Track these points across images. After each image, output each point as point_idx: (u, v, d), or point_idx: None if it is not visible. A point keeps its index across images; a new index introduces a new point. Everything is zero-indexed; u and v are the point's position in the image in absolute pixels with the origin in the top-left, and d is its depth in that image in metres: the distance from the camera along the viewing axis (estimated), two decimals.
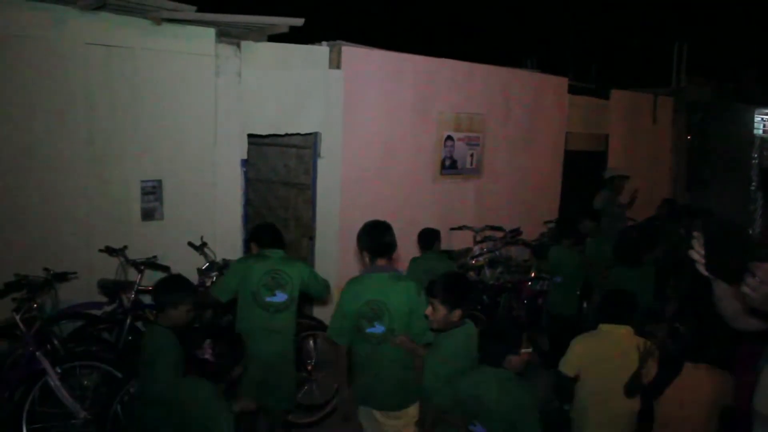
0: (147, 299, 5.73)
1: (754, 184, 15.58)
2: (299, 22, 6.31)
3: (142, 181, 6.04)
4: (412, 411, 4.26)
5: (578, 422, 4.41)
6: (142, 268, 5.64)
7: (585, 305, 7.50)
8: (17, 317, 4.83)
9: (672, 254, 7.65)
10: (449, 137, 8.73)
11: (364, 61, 7.67)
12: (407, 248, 7.35)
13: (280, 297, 4.76)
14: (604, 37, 16.43)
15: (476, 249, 8.45)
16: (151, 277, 5.83)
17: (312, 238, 7.48)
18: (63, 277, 5.29)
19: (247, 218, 6.90)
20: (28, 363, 4.81)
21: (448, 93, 8.63)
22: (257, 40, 6.66)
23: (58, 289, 5.38)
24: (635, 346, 4.20)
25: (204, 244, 6.14)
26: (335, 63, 7.38)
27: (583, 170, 11.11)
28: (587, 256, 7.32)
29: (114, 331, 5.51)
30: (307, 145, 7.52)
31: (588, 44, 16.18)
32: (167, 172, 6.19)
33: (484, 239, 8.60)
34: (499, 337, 3.65)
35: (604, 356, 4.29)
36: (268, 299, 4.75)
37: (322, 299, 5.26)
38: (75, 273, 5.41)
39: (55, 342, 5.08)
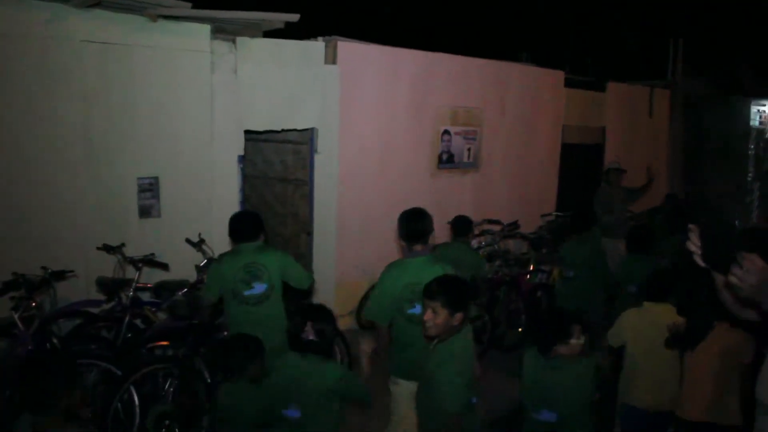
0: (145, 297, 5.74)
1: (750, 175, 15.61)
2: (294, 17, 6.30)
3: (139, 179, 6.04)
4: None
5: (624, 388, 4.81)
6: (140, 265, 5.62)
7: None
8: (16, 316, 4.82)
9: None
10: (446, 131, 8.72)
11: (360, 56, 7.66)
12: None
13: (259, 288, 4.77)
14: (600, 30, 16.40)
15: (474, 243, 8.43)
16: (149, 275, 5.84)
17: (310, 234, 7.48)
18: (61, 275, 5.29)
19: None
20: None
21: (445, 87, 8.62)
22: (253, 36, 6.66)
23: (56, 287, 5.39)
24: (672, 322, 4.52)
25: (202, 241, 6.13)
26: (331, 58, 7.37)
27: (581, 163, 11.11)
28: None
29: (113, 329, 5.49)
30: (303, 141, 7.51)
31: (584, 37, 16.16)
32: (164, 169, 6.19)
33: (482, 233, 8.59)
34: (548, 326, 3.95)
35: (645, 328, 4.70)
36: (246, 293, 4.75)
37: (302, 288, 5.11)
38: (73, 271, 5.41)
39: (54, 340, 5.06)
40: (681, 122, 13.71)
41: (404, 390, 4.41)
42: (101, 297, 5.61)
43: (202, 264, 5.87)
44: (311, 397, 3.65)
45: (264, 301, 4.79)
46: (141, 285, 5.63)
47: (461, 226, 6.77)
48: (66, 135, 5.61)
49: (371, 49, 7.84)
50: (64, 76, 5.57)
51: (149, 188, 6.10)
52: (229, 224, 4.97)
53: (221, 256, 5.04)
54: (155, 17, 5.86)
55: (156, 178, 6.13)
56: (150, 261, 5.70)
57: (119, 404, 4.80)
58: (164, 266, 5.79)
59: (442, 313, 3.49)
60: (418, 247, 4.51)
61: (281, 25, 6.50)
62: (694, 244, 2.32)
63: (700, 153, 14.04)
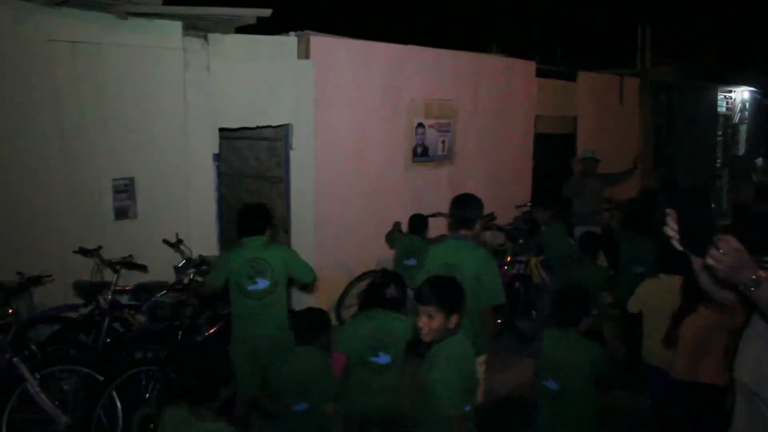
0: (124, 299, 5.67)
1: (719, 160, 15.85)
2: (267, 12, 6.24)
3: (114, 180, 5.96)
4: (480, 359, 4.60)
5: (645, 350, 5.36)
6: (118, 268, 5.54)
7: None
8: None
9: None
10: (420, 124, 8.72)
11: (333, 50, 7.62)
12: (381, 237, 7.40)
13: (262, 284, 4.85)
14: (568, 19, 16.51)
15: (450, 236, 8.45)
16: (127, 277, 5.77)
17: (287, 231, 7.43)
18: (37, 280, 5.20)
19: (221, 213, 6.84)
20: (5, 370, 4.70)
21: (418, 80, 8.61)
22: (225, 32, 6.58)
23: (33, 293, 5.31)
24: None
25: (179, 241, 6.06)
26: (304, 53, 7.32)
27: (554, 153, 11.17)
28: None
29: (92, 333, 5.42)
30: (278, 138, 7.46)
31: (552, 26, 16.25)
32: (139, 169, 6.11)
33: None
34: (574, 301, 4.21)
35: (659, 297, 5.15)
36: (250, 288, 4.84)
37: (306, 282, 5.26)
38: (50, 276, 5.31)
39: (33, 347, 4.99)
40: (651, 109, 13.85)
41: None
42: (79, 301, 5.54)
43: (180, 264, 5.80)
44: (398, 345, 4.27)
45: (267, 296, 4.86)
46: (119, 288, 5.57)
47: (417, 223, 7.08)
48: (37, 137, 5.50)
49: (344, 43, 7.80)
50: (32, 76, 5.46)
51: (125, 189, 6.01)
52: (238, 216, 5.05)
53: (231, 247, 5.10)
54: (125, 15, 5.76)
55: (131, 179, 6.05)
56: (128, 263, 5.63)
57: (102, 411, 4.74)
58: (142, 268, 5.73)
59: (438, 317, 3.37)
60: (463, 231, 4.78)
61: (253, 21, 6.44)
62: (671, 229, 2.35)
63: (670, 139, 14.21)
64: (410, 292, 6.59)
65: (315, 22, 7.98)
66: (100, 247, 5.64)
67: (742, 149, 16.95)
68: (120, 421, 4.74)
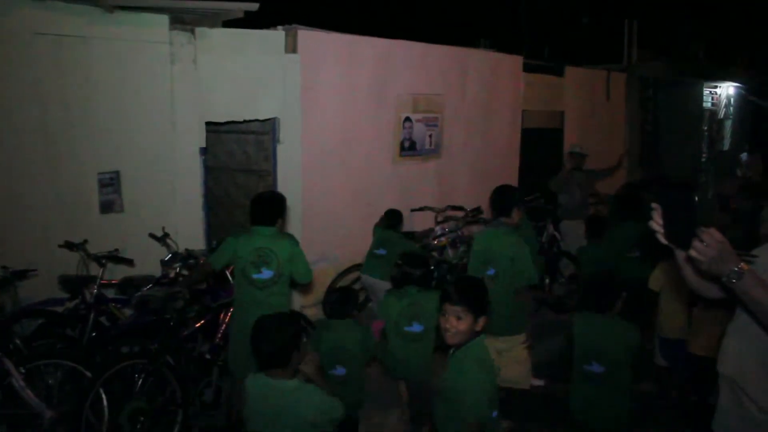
0: (110, 293, 5.65)
1: (704, 155, 15.95)
2: (254, 6, 6.23)
3: (100, 173, 5.93)
4: (519, 338, 5.27)
5: (663, 323, 5.72)
6: (104, 262, 5.52)
7: None
8: None
9: None
10: (407, 119, 8.72)
11: (321, 44, 7.61)
12: (368, 230, 7.39)
13: (266, 274, 4.88)
14: (556, 15, 16.54)
15: (438, 229, 8.48)
16: (113, 271, 5.75)
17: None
18: (22, 274, 5.18)
19: (207, 207, 6.82)
20: None
21: (405, 74, 8.61)
22: (212, 26, 6.56)
23: (17, 287, 5.27)
24: None
25: (166, 235, 6.05)
26: (291, 47, 7.30)
27: (541, 148, 11.21)
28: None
29: (77, 327, 5.40)
30: (265, 131, 7.45)
31: (540, 22, 16.28)
32: (125, 163, 6.08)
33: (446, 219, 8.63)
34: (607, 286, 4.45)
35: (675, 277, 5.18)
36: (254, 276, 4.88)
37: (301, 282, 5.22)
38: (35, 270, 5.29)
39: (17, 341, 4.96)
40: (637, 105, 13.92)
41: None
42: (65, 295, 5.51)
43: (166, 258, 5.80)
44: (430, 316, 4.65)
45: (271, 286, 4.90)
46: (105, 282, 5.55)
47: (391, 218, 7.08)
48: (22, 131, 5.47)
49: (331, 37, 7.79)
50: (17, 69, 5.42)
51: (110, 183, 5.99)
52: (250, 204, 5.08)
53: (240, 233, 5.11)
54: (111, 8, 5.73)
55: (117, 173, 6.02)
56: (114, 257, 5.61)
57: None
58: (129, 262, 5.71)
59: (467, 319, 3.21)
60: (504, 219, 5.25)
61: (241, 15, 6.42)
62: (656, 223, 2.38)
63: (656, 134, 14.27)
64: (370, 281, 6.66)
65: (302, 17, 7.97)
66: (85, 241, 5.62)
67: (726, 144, 17.05)
68: (105, 415, 4.72)
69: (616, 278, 4.71)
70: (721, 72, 15.94)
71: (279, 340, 3.37)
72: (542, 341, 7.45)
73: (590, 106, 12.39)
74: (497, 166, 10.28)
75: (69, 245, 5.56)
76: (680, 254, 2.57)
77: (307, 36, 7.41)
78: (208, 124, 6.68)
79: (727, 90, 16.66)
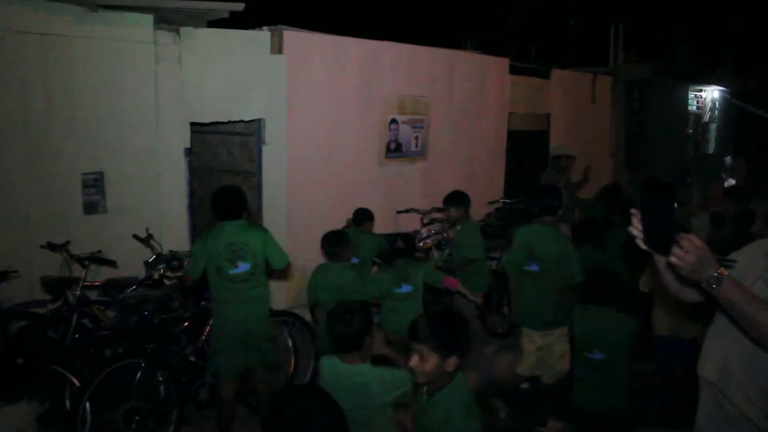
0: (93, 295, 5.60)
1: (689, 158, 16.02)
2: (239, 6, 6.21)
3: (83, 174, 5.88)
4: (561, 330, 5.57)
5: (657, 321, 5.87)
6: (87, 263, 5.47)
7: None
8: None
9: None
10: (393, 120, 8.72)
11: (307, 45, 7.59)
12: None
13: (243, 267, 4.87)
14: (543, 18, 16.60)
15: (424, 231, 8.48)
16: (96, 272, 5.71)
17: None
18: (4, 275, 5.13)
19: (192, 208, 6.79)
20: None
21: (392, 76, 8.61)
22: (197, 26, 6.53)
23: None
24: None
25: (150, 236, 6.01)
26: (277, 48, 7.28)
27: (527, 150, 11.24)
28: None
29: (60, 329, 5.35)
30: (251, 132, 7.42)
31: (527, 24, 16.33)
32: (109, 163, 6.04)
33: (432, 221, 8.63)
34: (607, 281, 4.76)
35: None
36: (231, 272, 4.84)
37: (278, 268, 5.20)
38: (16, 271, 5.24)
39: None
40: (623, 107, 13.98)
41: (524, 337, 5.69)
42: (47, 297, 5.46)
43: (150, 260, 5.76)
44: (417, 279, 5.52)
45: (249, 279, 4.88)
46: (88, 283, 5.50)
47: (357, 216, 6.99)
48: (5, 130, 5.42)
49: (317, 38, 7.77)
50: (0, 68, 5.37)
51: (94, 183, 5.94)
52: (212, 201, 5.02)
53: (206, 234, 5.05)
54: (96, 7, 5.69)
55: (101, 173, 5.97)
56: (97, 258, 5.56)
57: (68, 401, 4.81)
58: (112, 263, 5.66)
59: (432, 359, 2.85)
60: (546, 218, 5.58)
61: (226, 15, 6.39)
62: (635, 228, 2.40)
63: (642, 137, 14.34)
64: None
65: (288, 17, 7.95)
66: (68, 242, 5.58)
67: (711, 147, 17.15)
68: (88, 422, 4.69)
69: (612, 273, 5.04)
70: (706, 75, 16.03)
71: (354, 325, 3.53)
72: None
73: (576, 109, 12.43)
74: (483, 168, 10.30)
75: (51, 246, 5.51)
76: (660, 260, 2.59)
77: (293, 36, 7.39)
78: (192, 124, 6.65)
79: (712, 93, 16.76)
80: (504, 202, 9.87)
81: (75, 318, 5.28)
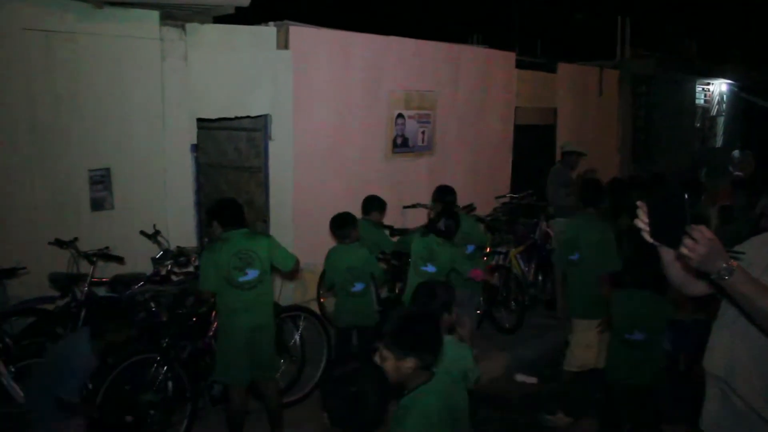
0: (101, 291, 5.61)
1: (697, 152, 15.96)
2: (245, 2, 6.23)
3: (90, 171, 5.90)
4: (593, 323, 5.61)
5: None
6: (95, 259, 5.48)
7: None
8: None
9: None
10: (400, 115, 8.70)
11: (312, 40, 7.58)
12: None
13: (252, 274, 4.85)
14: (549, 11, 16.54)
15: None
16: (104, 269, 5.71)
17: (266, 221, 7.41)
18: (12, 272, 5.16)
19: (199, 204, 6.79)
20: None
21: (398, 71, 8.59)
22: (203, 22, 6.53)
23: (7, 285, 5.25)
24: None
25: (157, 233, 6.01)
26: (283, 43, 7.28)
27: (533, 144, 11.21)
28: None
29: (68, 325, 5.36)
30: (257, 128, 7.42)
31: (533, 18, 16.27)
32: (116, 160, 6.05)
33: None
34: (648, 263, 4.40)
35: None
36: (240, 279, 4.82)
37: (286, 270, 5.26)
38: (24, 268, 5.26)
39: (7, 340, 4.93)
40: (630, 101, 13.92)
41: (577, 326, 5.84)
42: (55, 293, 5.47)
43: (158, 256, 5.76)
44: (442, 261, 5.63)
45: (257, 286, 4.86)
46: (96, 279, 5.50)
47: (365, 206, 6.89)
48: (11, 127, 5.44)
49: (323, 33, 7.76)
50: (6, 65, 5.38)
51: (101, 180, 5.95)
52: (216, 209, 5.02)
53: (211, 244, 5.06)
54: (101, 4, 5.70)
55: (107, 170, 5.99)
56: (104, 255, 5.56)
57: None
58: (119, 260, 5.67)
59: (389, 358, 2.80)
60: (590, 210, 5.88)
61: (232, 11, 6.40)
62: (641, 221, 2.38)
63: (649, 131, 14.29)
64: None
65: (294, 13, 7.93)
66: (76, 239, 5.58)
67: (719, 141, 17.09)
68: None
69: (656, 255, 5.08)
70: (713, 69, 15.96)
71: (435, 303, 3.85)
72: (535, 339, 7.47)
73: (583, 103, 12.39)
74: (490, 162, 10.28)
75: (59, 243, 5.52)
76: (666, 252, 2.56)
77: (299, 32, 7.38)
78: (199, 120, 6.66)
79: (719, 87, 16.70)
80: (511, 197, 9.83)
81: (83, 314, 5.28)
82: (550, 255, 8.59)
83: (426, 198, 8.65)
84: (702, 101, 16.12)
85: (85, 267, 5.52)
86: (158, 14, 6.14)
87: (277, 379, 5.41)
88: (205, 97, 6.63)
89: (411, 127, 8.86)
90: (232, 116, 6.97)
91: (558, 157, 10.06)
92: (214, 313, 5.39)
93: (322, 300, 7.58)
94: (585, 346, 5.73)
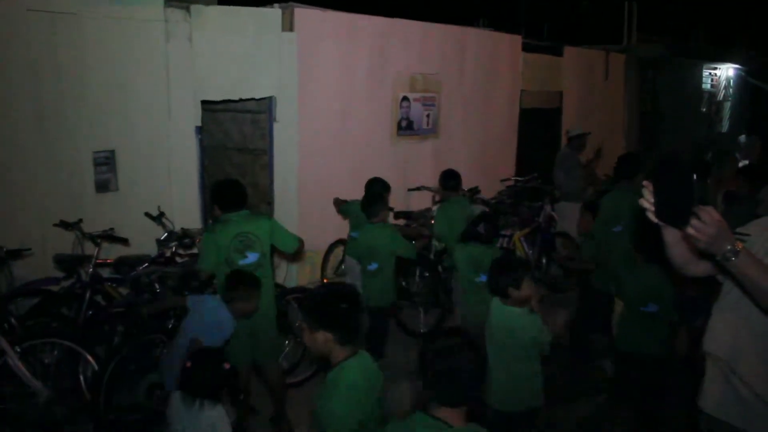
0: (105, 273, 5.63)
1: (703, 137, 15.90)
2: None
3: (95, 152, 5.89)
4: None
5: None
6: (99, 241, 5.49)
7: None
8: None
9: None
10: (405, 98, 8.68)
11: (318, 22, 7.54)
12: None
13: (252, 257, 4.86)
14: None
15: (434, 209, 8.45)
16: (108, 250, 5.73)
17: (270, 203, 7.41)
18: (17, 254, 5.17)
19: (203, 186, 6.79)
20: None
21: (403, 53, 8.55)
22: (207, 3, 6.52)
23: (12, 266, 5.27)
24: None
25: (161, 214, 6.02)
26: (288, 25, 7.24)
27: (539, 128, 11.18)
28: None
29: (73, 306, 5.39)
30: (262, 110, 7.40)
31: (540, 2, 16.16)
32: (120, 142, 6.04)
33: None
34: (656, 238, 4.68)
35: None
36: (240, 262, 4.83)
37: (289, 252, 5.26)
38: (29, 249, 5.28)
39: (13, 320, 4.97)
40: (636, 85, 13.86)
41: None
42: (60, 274, 5.49)
43: (162, 238, 5.78)
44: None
45: (257, 269, 4.86)
46: (101, 261, 5.52)
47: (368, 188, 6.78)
48: (15, 109, 5.43)
49: (328, 15, 7.71)
50: (10, 47, 5.36)
51: (105, 162, 5.95)
52: (216, 192, 5.04)
53: (212, 226, 5.05)
54: None
55: (112, 152, 5.99)
56: (109, 236, 5.58)
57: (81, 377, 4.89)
58: (124, 241, 5.68)
59: (305, 329, 2.95)
60: (623, 182, 6.17)
61: None
62: (647, 201, 2.37)
63: (655, 115, 14.23)
64: (352, 263, 6.55)
65: None
66: (80, 220, 5.60)
67: (725, 126, 17.01)
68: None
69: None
70: (720, 53, 15.87)
71: (509, 276, 4.14)
72: None
73: (589, 87, 12.33)
74: (495, 145, 10.26)
75: (64, 224, 5.54)
76: (669, 233, 2.57)
77: (304, 14, 7.34)
78: (203, 102, 6.64)
79: (726, 72, 16.60)
80: (516, 180, 9.83)
81: (88, 295, 5.31)
82: (554, 238, 8.61)
83: (431, 181, 8.67)
84: (708, 86, 16.03)
85: (89, 248, 5.54)
86: None
87: (279, 362, 5.43)
88: (210, 79, 6.61)
89: (416, 110, 8.83)
90: (237, 98, 6.95)
91: (564, 141, 10.03)
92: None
93: (325, 281, 7.61)
94: None
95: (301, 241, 5.19)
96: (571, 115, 11.67)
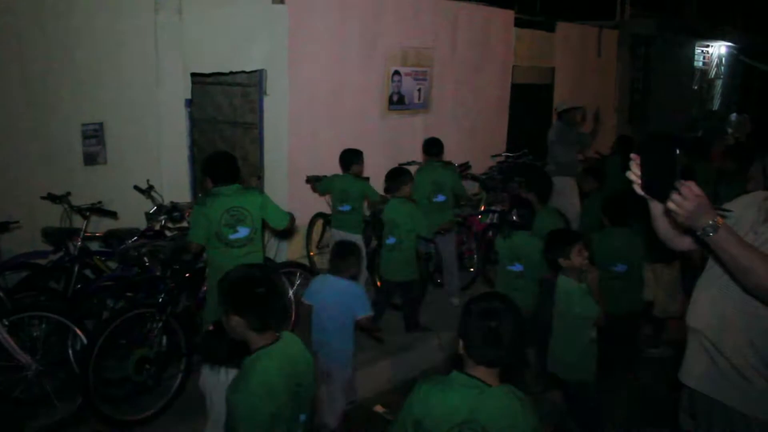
0: (94, 246, 5.60)
1: (695, 114, 15.92)
2: None
3: (83, 125, 5.84)
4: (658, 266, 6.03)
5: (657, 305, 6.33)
6: (88, 214, 5.43)
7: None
8: None
9: None
10: (396, 72, 8.63)
11: None
12: None
13: (243, 232, 4.87)
14: None
15: None
16: (97, 223, 5.69)
17: (260, 177, 7.38)
18: (4, 227, 5.13)
19: (193, 159, 6.76)
20: None
21: (395, 27, 8.49)
22: None
23: None
24: None
25: (150, 188, 5.99)
26: None
27: (530, 103, 11.15)
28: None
29: (61, 279, 5.36)
30: (252, 83, 7.35)
31: None
32: (109, 114, 5.98)
33: None
34: (624, 205, 5.34)
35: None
36: (231, 237, 4.84)
37: (280, 228, 5.21)
38: (17, 222, 5.23)
39: (1, 294, 4.93)
40: (628, 62, 13.83)
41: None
42: (48, 248, 5.45)
43: (151, 211, 5.75)
44: (530, 256, 5.34)
45: (248, 243, 4.89)
46: (89, 234, 5.48)
47: (345, 159, 6.85)
48: (2, 81, 5.35)
49: None
50: None
51: (94, 134, 5.90)
52: (208, 165, 5.03)
53: (202, 199, 5.01)
54: None
55: (101, 124, 5.93)
56: (97, 209, 5.52)
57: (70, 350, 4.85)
58: (113, 214, 5.63)
59: (223, 312, 2.87)
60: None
61: None
62: (634, 174, 2.41)
63: (647, 92, 14.22)
64: (341, 235, 6.55)
65: None
66: (68, 193, 5.54)
67: (716, 104, 17.03)
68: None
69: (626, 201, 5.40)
70: (713, 31, 15.83)
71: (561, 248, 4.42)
72: None
73: (581, 63, 12.31)
74: (486, 121, 10.24)
75: (52, 197, 5.49)
76: (656, 206, 2.62)
77: None
78: (193, 75, 6.58)
79: (718, 50, 16.59)
80: (506, 156, 9.81)
81: (76, 269, 5.27)
82: None
83: (422, 156, 8.63)
84: (701, 63, 16.02)
85: (78, 222, 5.49)
86: None
87: None
88: (200, 52, 6.54)
89: (407, 84, 8.79)
90: (227, 71, 6.89)
91: (554, 118, 10.00)
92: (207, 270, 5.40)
93: (311, 254, 7.61)
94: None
95: (292, 218, 5.17)
96: (563, 91, 11.65)
